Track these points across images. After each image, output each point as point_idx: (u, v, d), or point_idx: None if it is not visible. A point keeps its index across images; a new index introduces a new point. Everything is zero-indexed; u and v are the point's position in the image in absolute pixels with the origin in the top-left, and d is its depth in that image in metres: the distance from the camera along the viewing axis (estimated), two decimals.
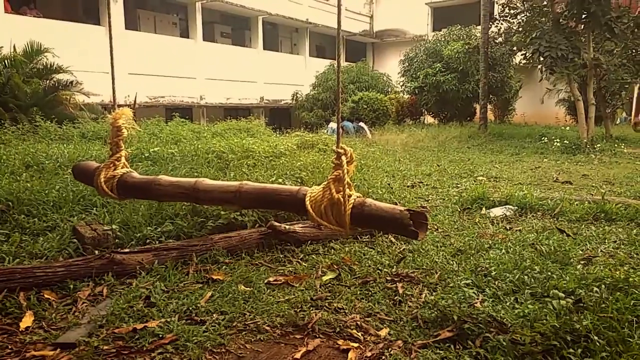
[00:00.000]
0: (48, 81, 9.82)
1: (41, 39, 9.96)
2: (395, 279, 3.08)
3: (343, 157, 1.57)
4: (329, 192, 1.54)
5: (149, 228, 3.67)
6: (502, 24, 14.34)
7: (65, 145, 6.83)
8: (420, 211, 1.42)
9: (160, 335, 2.34)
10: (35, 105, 8.98)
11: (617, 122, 19.05)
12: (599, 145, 10.99)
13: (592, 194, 5.78)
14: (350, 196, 1.52)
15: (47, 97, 9.42)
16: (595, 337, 2.08)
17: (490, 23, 14.67)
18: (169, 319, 2.50)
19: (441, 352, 2.20)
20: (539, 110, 20.10)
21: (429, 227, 1.57)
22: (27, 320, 2.49)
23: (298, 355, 2.20)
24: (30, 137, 7.54)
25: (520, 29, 13.06)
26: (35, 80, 9.42)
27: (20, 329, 2.43)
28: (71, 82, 9.95)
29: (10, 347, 2.27)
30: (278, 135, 10.21)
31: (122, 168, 2.02)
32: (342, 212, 1.50)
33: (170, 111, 12.65)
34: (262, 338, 2.37)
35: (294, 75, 20.16)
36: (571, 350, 2.05)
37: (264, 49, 19.37)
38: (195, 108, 16.78)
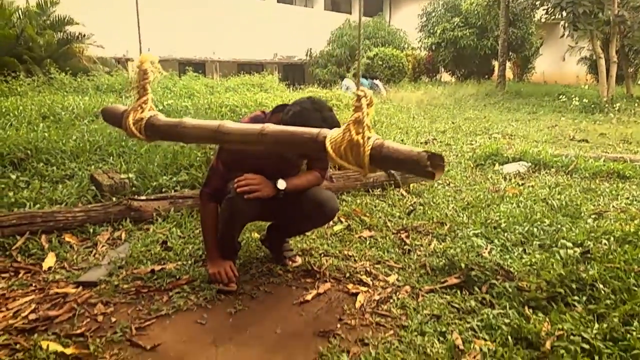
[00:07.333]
0: (61, 33, 9.78)
1: None
2: (405, 230, 3.13)
3: (363, 100, 1.58)
4: (348, 134, 1.56)
5: (164, 177, 3.74)
6: None
7: (80, 97, 6.88)
8: (437, 154, 1.45)
9: (177, 277, 2.43)
10: (49, 57, 9.00)
11: None
12: (618, 104, 10.74)
13: (608, 152, 5.72)
14: (369, 138, 1.54)
15: (60, 50, 9.42)
16: (601, 286, 2.11)
17: None
18: (185, 262, 2.59)
19: (447, 297, 2.26)
20: (559, 69, 19.58)
21: (443, 172, 1.59)
22: (49, 261, 2.59)
23: (309, 297, 2.28)
24: (45, 88, 7.59)
25: None
26: (48, 31, 9.39)
27: (43, 269, 2.53)
28: (84, 35, 9.91)
29: (34, 284, 2.38)
30: (291, 92, 10.13)
31: (149, 111, 2.07)
32: (361, 153, 1.52)
33: (183, 66, 12.58)
34: (274, 281, 2.45)
35: (307, 30, 19.80)
36: (576, 297, 2.09)
37: (278, 1, 18.96)
38: (208, 63, 16.64)
